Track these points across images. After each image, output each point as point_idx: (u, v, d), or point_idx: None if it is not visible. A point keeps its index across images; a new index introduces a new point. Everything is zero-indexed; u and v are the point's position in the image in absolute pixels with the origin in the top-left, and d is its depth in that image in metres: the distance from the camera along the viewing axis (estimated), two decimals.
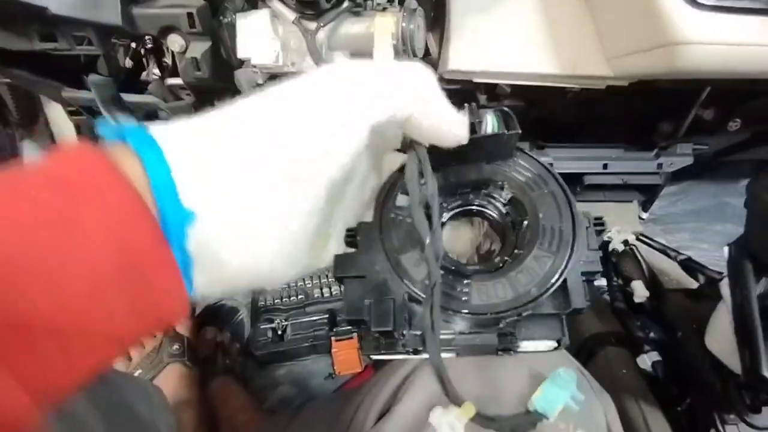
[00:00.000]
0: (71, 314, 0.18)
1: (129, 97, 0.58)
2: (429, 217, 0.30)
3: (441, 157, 0.30)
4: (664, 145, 0.75)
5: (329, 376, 0.86)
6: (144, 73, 0.58)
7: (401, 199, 0.34)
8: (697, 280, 0.61)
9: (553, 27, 0.49)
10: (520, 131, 0.32)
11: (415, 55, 0.44)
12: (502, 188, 0.37)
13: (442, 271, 0.33)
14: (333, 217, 0.30)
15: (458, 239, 0.41)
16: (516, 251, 0.34)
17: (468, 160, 0.36)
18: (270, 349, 0.85)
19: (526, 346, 0.32)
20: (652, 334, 0.59)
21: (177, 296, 0.22)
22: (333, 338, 0.87)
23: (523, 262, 0.32)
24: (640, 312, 0.62)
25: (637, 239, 0.66)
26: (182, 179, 0.21)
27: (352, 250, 0.34)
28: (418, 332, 0.34)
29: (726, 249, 0.49)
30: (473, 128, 0.31)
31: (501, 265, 0.34)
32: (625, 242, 0.63)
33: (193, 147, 0.22)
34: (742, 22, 0.39)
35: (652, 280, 0.64)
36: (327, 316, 0.89)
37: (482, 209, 0.37)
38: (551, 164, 0.65)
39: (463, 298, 0.32)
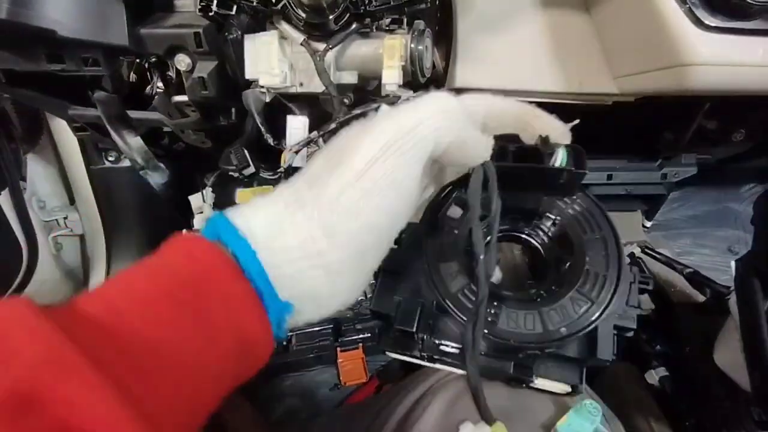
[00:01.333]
0: (194, 393, 0.22)
1: (134, 114, 0.58)
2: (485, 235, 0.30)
3: (503, 179, 0.30)
4: (668, 156, 0.75)
5: (335, 387, 0.86)
6: (148, 88, 0.58)
7: (454, 211, 0.34)
8: (703, 293, 0.61)
9: (560, 45, 0.49)
10: (586, 172, 0.32)
11: (423, 75, 0.44)
12: (554, 224, 0.37)
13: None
14: None
15: (505, 265, 0.41)
16: (553, 288, 0.34)
17: (528, 188, 0.36)
18: (275, 360, 0.85)
19: (540, 383, 0.32)
20: (659, 348, 0.59)
21: (266, 347, 0.26)
22: (338, 348, 0.87)
23: (559, 300, 0.32)
24: (647, 325, 0.62)
25: (643, 251, 0.66)
26: (277, 279, 0.25)
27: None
28: (439, 341, 0.34)
29: (733, 264, 0.49)
30: (542, 158, 0.31)
31: (536, 297, 0.34)
32: (631, 255, 0.63)
33: (279, 238, 0.25)
34: (749, 43, 0.39)
35: (659, 293, 0.64)
36: (332, 326, 0.89)
37: (528, 238, 0.37)
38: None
39: (491, 320, 0.32)
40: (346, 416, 0.56)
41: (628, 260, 0.35)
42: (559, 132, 0.32)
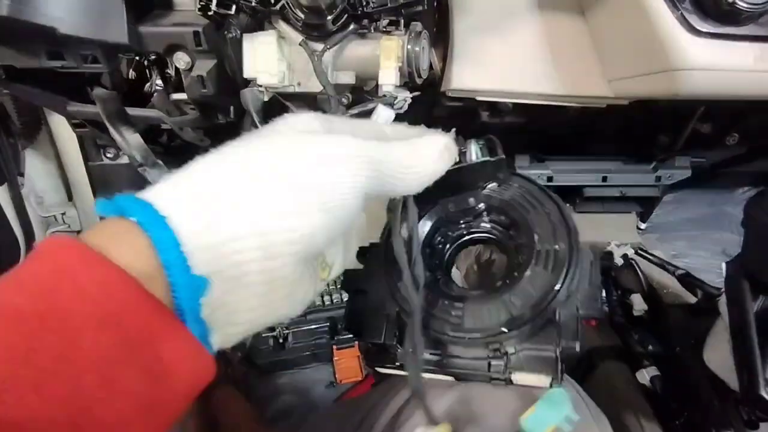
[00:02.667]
0: (83, 409, 0.18)
1: (133, 111, 0.59)
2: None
3: (436, 189, 0.31)
4: (663, 158, 0.76)
5: (330, 385, 0.87)
6: (147, 85, 0.59)
7: (404, 230, 0.35)
8: (695, 295, 0.62)
9: (555, 48, 0.50)
10: (503, 156, 0.33)
11: (420, 76, 0.45)
12: (499, 213, 0.37)
13: (438, 297, 0.34)
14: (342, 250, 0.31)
15: (466, 259, 0.42)
16: (515, 274, 0.34)
17: (463, 189, 0.37)
18: (271, 357, 0.85)
19: (519, 378, 0.33)
20: (650, 348, 0.60)
21: (193, 363, 0.21)
22: (334, 346, 0.87)
23: (518, 283, 0.33)
24: (639, 326, 0.62)
25: (636, 253, 0.66)
26: (190, 247, 0.20)
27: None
28: (409, 349, 0.35)
29: (724, 266, 0.50)
30: (459, 157, 0.32)
31: (499, 285, 0.35)
32: (625, 256, 0.64)
33: (197, 210, 0.21)
34: (740, 49, 0.40)
35: (651, 294, 0.64)
36: (328, 324, 0.89)
37: (489, 236, 0.38)
38: (551, 177, 0.66)
39: (457, 322, 0.32)
40: (339, 412, 0.57)
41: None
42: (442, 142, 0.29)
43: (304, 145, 0.24)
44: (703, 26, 0.39)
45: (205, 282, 0.21)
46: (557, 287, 0.32)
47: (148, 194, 0.22)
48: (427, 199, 0.34)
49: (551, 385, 0.32)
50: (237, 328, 0.24)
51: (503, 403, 0.36)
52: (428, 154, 0.28)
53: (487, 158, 0.33)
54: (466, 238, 0.38)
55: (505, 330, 0.31)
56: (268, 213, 0.22)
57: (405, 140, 0.28)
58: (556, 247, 0.33)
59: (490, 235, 0.38)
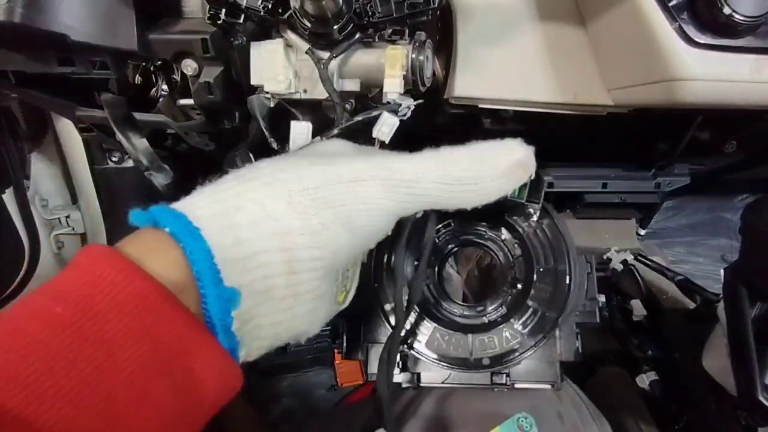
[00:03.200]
0: (117, 420, 0.18)
1: (140, 116, 0.59)
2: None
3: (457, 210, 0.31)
4: (662, 165, 0.77)
5: (332, 388, 0.87)
6: (153, 90, 0.59)
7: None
8: (694, 300, 0.62)
9: (556, 57, 0.51)
10: (539, 203, 0.33)
11: (423, 84, 0.45)
12: (516, 243, 0.38)
13: (440, 326, 0.35)
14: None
15: (466, 264, 0.43)
16: (500, 308, 0.35)
17: (487, 212, 0.37)
18: (273, 360, 0.86)
19: (521, 385, 0.34)
20: (650, 353, 0.61)
21: (223, 376, 0.21)
22: (336, 350, 0.88)
23: (517, 312, 0.33)
24: (638, 331, 0.63)
25: (636, 259, 0.67)
26: (220, 259, 0.21)
27: None
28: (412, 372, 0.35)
29: (722, 273, 0.51)
30: None
31: (500, 308, 0.35)
32: (624, 262, 0.65)
33: (226, 224, 0.22)
34: (737, 60, 0.41)
35: (650, 299, 0.65)
36: (329, 327, 0.90)
37: (492, 250, 0.38)
38: (551, 183, 0.67)
39: (459, 350, 0.33)
40: (341, 416, 0.57)
41: (584, 258, 0.35)
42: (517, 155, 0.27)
43: (333, 167, 0.24)
44: (701, 38, 0.40)
45: (236, 294, 0.21)
46: (554, 318, 0.32)
47: (182, 205, 0.23)
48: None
49: (553, 386, 0.33)
50: (262, 342, 0.24)
51: (476, 416, 0.37)
52: (495, 167, 0.25)
53: (530, 201, 0.33)
54: (470, 239, 0.39)
55: (508, 359, 0.32)
56: (294, 229, 0.23)
57: (468, 150, 0.26)
58: (557, 271, 0.34)
59: (496, 253, 0.39)
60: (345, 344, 0.38)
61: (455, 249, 0.40)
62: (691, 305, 0.64)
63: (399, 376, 0.38)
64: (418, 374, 0.37)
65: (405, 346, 0.34)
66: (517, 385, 0.33)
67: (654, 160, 0.76)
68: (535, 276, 0.35)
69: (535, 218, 0.37)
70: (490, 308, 0.36)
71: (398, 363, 0.35)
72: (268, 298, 0.22)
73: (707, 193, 1.14)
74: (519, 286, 0.36)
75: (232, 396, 0.23)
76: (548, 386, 0.33)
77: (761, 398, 0.42)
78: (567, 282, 0.35)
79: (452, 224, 0.38)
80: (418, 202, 0.25)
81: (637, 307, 0.65)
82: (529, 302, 0.34)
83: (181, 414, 0.20)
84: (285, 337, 0.25)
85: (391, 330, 0.34)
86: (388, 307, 0.34)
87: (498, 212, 0.38)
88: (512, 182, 0.25)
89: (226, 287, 0.21)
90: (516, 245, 0.38)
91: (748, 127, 0.69)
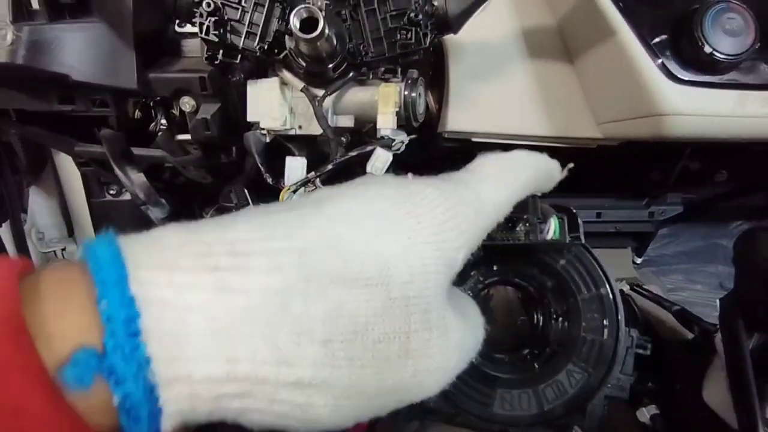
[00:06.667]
0: None
1: (138, 150, 0.60)
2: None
3: (493, 252, 0.30)
4: (655, 195, 0.77)
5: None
6: (152, 125, 0.61)
7: None
8: (692, 331, 0.62)
9: (546, 92, 0.52)
10: (582, 240, 0.32)
11: (416, 120, 0.46)
12: (550, 276, 0.36)
13: (501, 388, 0.31)
14: None
15: (499, 306, 0.41)
16: (548, 350, 0.33)
17: (522, 255, 0.36)
18: None
19: None
20: (650, 385, 0.60)
21: None
22: None
23: (555, 375, 0.31)
24: (637, 362, 0.62)
25: (632, 289, 0.67)
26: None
27: None
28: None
29: (718, 303, 0.51)
30: (532, 226, 0.31)
31: (530, 363, 0.33)
32: (621, 292, 0.64)
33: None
34: (720, 95, 0.42)
35: (648, 330, 0.64)
36: None
37: (524, 284, 0.36)
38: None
39: (485, 404, 0.31)
40: None
41: (628, 332, 0.34)
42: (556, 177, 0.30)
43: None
44: (684, 74, 0.41)
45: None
46: (593, 387, 0.31)
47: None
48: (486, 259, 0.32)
49: None
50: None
51: None
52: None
53: (565, 241, 0.32)
54: (500, 278, 0.37)
55: (535, 423, 0.30)
56: None
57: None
58: (602, 342, 0.32)
59: (531, 288, 0.37)
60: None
61: (484, 294, 0.38)
62: (690, 336, 0.64)
63: None
64: None
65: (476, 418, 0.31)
66: None
67: (647, 190, 0.77)
68: (580, 306, 0.33)
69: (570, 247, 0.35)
70: (536, 350, 0.34)
71: None
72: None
73: (701, 221, 1.14)
74: (561, 320, 0.34)
75: None
76: None
77: None
78: (611, 300, 0.33)
79: (474, 275, 0.37)
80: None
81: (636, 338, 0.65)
82: (584, 333, 0.32)
83: None
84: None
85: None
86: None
87: (526, 254, 0.37)
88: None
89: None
90: (546, 276, 0.36)
91: (736, 158, 0.70)
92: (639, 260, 0.92)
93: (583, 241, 0.32)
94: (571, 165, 0.32)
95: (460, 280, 0.32)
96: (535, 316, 0.37)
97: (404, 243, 0.20)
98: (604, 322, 0.33)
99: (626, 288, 0.66)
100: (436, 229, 0.21)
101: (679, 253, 1.19)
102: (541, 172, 0.28)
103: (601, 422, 0.30)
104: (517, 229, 0.31)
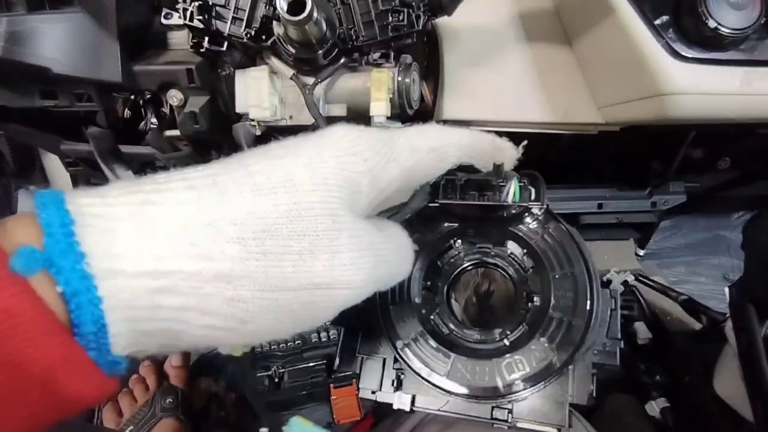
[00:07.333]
0: None
1: (127, 149, 0.59)
2: None
3: (456, 212, 0.30)
4: (657, 184, 0.76)
5: (328, 426, 0.83)
6: (142, 123, 0.59)
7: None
8: (699, 321, 0.60)
9: (545, 77, 0.51)
10: (545, 205, 0.32)
11: (411, 107, 0.45)
12: (526, 254, 0.36)
13: (460, 356, 0.32)
14: None
15: (464, 290, 0.41)
16: (519, 329, 0.33)
17: (486, 218, 0.36)
18: (267, 398, 0.82)
19: (525, 425, 0.31)
20: (658, 378, 0.58)
21: (87, 389, 0.19)
22: (331, 385, 0.84)
23: (522, 347, 0.31)
24: (644, 355, 0.61)
25: (637, 279, 0.65)
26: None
27: None
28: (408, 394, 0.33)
29: (726, 291, 0.49)
30: (495, 188, 0.31)
31: (499, 338, 0.33)
32: (625, 283, 0.63)
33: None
34: (725, 73, 0.40)
35: (654, 321, 0.63)
36: (325, 361, 0.86)
37: (500, 267, 0.36)
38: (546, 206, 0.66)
39: (487, 379, 0.31)
40: None
41: (609, 294, 0.33)
42: (509, 155, 0.32)
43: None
44: (689, 52, 0.40)
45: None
46: (559, 365, 0.30)
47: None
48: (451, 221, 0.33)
49: (559, 430, 0.31)
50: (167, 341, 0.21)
51: None
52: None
53: (525, 203, 0.32)
54: (480, 261, 0.37)
55: (508, 394, 0.30)
56: None
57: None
58: (572, 321, 0.32)
59: (505, 270, 0.37)
60: (338, 356, 0.36)
61: (460, 273, 0.38)
62: (697, 326, 0.62)
63: (392, 396, 0.35)
64: (413, 397, 0.35)
65: (423, 379, 0.31)
66: (519, 425, 0.30)
67: (649, 180, 0.75)
68: (552, 284, 0.33)
69: (540, 217, 0.35)
70: (510, 328, 0.33)
71: (393, 381, 0.32)
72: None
73: (704, 212, 1.13)
74: (536, 299, 0.34)
75: (98, 401, 0.21)
76: (553, 430, 0.31)
77: None
78: (586, 282, 0.32)
79: (454, 248, 0.36)
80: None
81: (642, 330, 0.63)
82: (551, 312, 0.31)
83: (38, 422, 0.19)
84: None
85: (391, 343, 0.32)
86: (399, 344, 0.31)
87: (501, 226, 0.36)
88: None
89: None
90: (525, 257, 0.35)
91: (740, 144, 0.69)
92: (642, 252, 0.91)
93: (544, 204, 0.32)
94: (525, 142, 0.32)
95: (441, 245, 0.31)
96: (515, 296, 0.37)
97: (305, 162, 0.24)
98: (576, 302, 0.32)
99: (631, 279, 0.65)
100: (338, 152, 0.25)
101: (681, 245, 1.18)
102: (475, 140, 0.31)
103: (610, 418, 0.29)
104: (480, 193, 0.32)
